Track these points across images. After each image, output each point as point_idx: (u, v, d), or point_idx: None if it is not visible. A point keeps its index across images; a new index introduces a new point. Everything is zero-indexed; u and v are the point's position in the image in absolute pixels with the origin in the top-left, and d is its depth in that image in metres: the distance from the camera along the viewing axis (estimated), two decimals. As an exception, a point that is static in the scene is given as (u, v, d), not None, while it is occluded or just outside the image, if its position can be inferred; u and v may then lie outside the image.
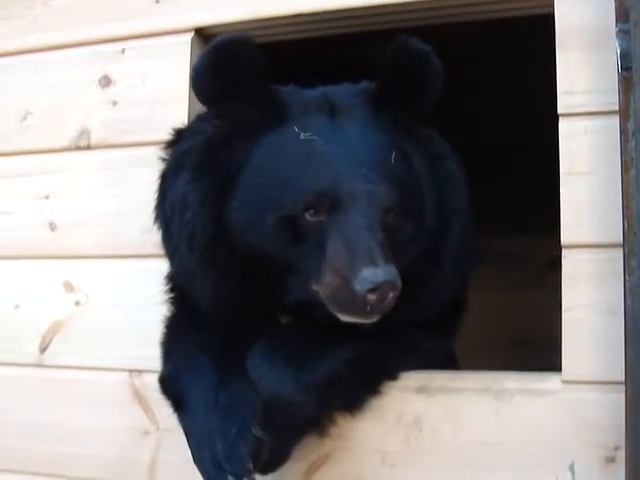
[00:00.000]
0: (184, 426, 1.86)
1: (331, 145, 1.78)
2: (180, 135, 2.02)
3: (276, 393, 1.75)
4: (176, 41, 2.29)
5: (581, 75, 1.90)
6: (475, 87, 2.92)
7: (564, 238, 1.87)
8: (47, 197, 2.39)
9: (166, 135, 2.03)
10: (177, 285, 2.03)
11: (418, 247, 1.85)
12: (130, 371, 2.21)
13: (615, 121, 1.78)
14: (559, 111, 1.90)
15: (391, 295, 1.64)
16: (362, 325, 1.72)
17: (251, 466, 1.72)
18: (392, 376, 1.93)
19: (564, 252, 1.87)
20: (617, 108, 1.77)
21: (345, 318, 1.71)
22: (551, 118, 1.91)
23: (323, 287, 1.71)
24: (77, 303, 2.31)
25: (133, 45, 2.35)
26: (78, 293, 2.31)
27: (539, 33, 2.01)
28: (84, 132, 2.36)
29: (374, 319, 1.69)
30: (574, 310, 1.84)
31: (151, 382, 2.05)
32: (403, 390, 1.94)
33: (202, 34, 2.29)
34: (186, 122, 2.16)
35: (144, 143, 2.27)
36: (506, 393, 1.87)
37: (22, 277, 2.39)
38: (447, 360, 2.11)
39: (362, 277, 1.61)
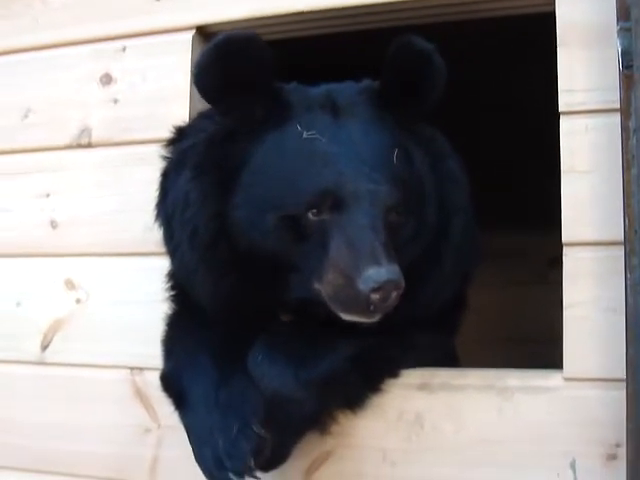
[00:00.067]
0: (185, 424, 1.86)
1: (334, 144, 1.77)
2: (181, 133, 2.02)
3: (277, 390, 1.75)
4: (177, 39, 2.29)
5: (582, 73, 1.90)
6: (476, 85, 2.92)
7: (565, 236, 1.87)
8: (48, 195, 2.39)
9: (167, 133, 2.03)
10: (178, 283, 2.03)
11: (420, 246, 1.85)
12: (131, 369, 2.21)
13: (616, 119, 1.78)
14: (560, 109, 1.90)
15: (394, 294, 1.64)
16: (363, 324, 1.72)
17: (252, 463, 1.72)
18: (393, 373, 1.94)
19: (565, 250, 1.87)
20: (618, 106, 1.77)
21: (347, 317, 1.71)
22: (552, 116, 1.91)
23: (325, 286, 1.71)
24: (78, 301, 2.31)
25: (134, 43, 2.35)
26: (79, 291, 2.31)
27: (540, 31, 2.01)
28: (85, 130, 2.37)
29: (376, 318, 1.69)
30: (575, 308, 1.84)
31: (152, 380, 2.05)
32: (404, 387, 1.94)
33: (203, 32, 2.29)
34: (187, 120, 2.16)
35: (145, 141, 2.27)
36: (508, 390, 1.87)
37: (23, 275, 2.39)
38: (448, 357, 2.11)
39: (366, 276, 1.61)
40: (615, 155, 1.78)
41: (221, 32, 2.16)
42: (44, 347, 2.32)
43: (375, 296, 1.62)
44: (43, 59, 2.45)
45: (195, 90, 2.12)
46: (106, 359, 2.25)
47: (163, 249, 1.98)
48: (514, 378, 1.89)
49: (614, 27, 1.78)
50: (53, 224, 2.36)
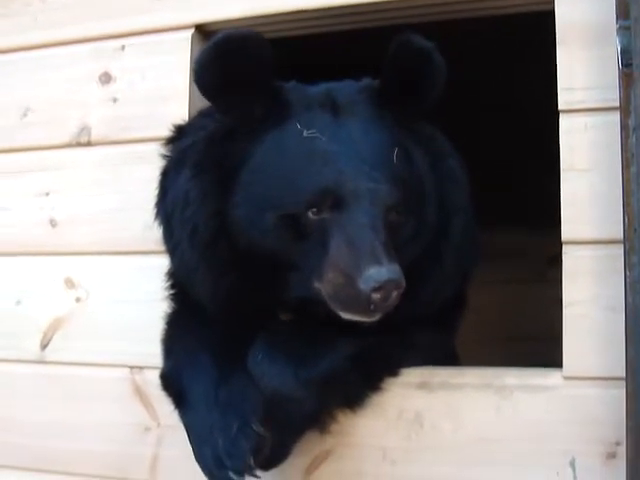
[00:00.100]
0: (185, 422, 1.86)
1: (334, 143, 1.77)
2: (181, 131, 2.02)
3: (276, 389, 1.75)
4: (176, 38, 2.29)
5: (581, 71, 1.90)
6: (475, 84, 2.92)
7: (564, 234, 1.87)
8: (47, 194, 2.39)
9: (166, 131, 2.03)
10: (178, 281, 2.03)
11: (420, 245, 1.85)
12: (131, 367, 2.21)
13: (615, 117, 1.78)
14: (559, 107, 1.90)
15: (395, 294, 1.64)
16: (363, 323, 1.72)
17: (252, 462, 1.72)
18: (393, 372, 1.94)
19: (564, 248, 1.87)
20: (617, 104, 1.77)
21: (347, 316, 1.71)
22: (552, 114, 1.91)
23: (325, 285, 1.71)
24: (78, 299, 2.31)
25: (133, 42, 2.35)
26: (79, 289, 2.31)
27: (540, 30, 2.01)
28: (84, 129, 2.36)
29: (376, 318, 1.69)
30: (575, 306, 1.84)
31: (152, 378, 2.05)
32: (404, 386, 1.94)
33: (202, 31, 2.29)
34: (186, 118, 2.17)
35: (145, 140, 2.27)
36: (507, 389, 1.87)
37: (23, 274, 2.39)
38: (448, 356, 2.11)
39: (367, 276, 1.61)
40: (614, 153, 1.78)
41: (220, 31, 2.16)
42: (44, 346, 2.32)
43: (376, 295, 1.62)
44: (42, 58, 2.45)
45: (194, 89, 2.12)
46: (106, 358, 2.25)
47: (163, 248, 1.98)
48: (513, 377, 1.89)
49: (613, 25, 1.78)
50: (53, 223, 2.36)
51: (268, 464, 1.83)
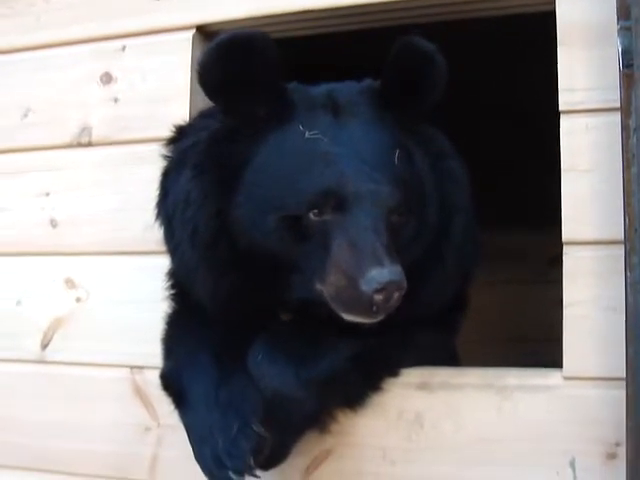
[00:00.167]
0: (185, 422, 1.86)
1: (335, 144, 1.77)
2: (181, 132, 2.02)
3: (277, 389, 1.75)
4: (177, 38, 2.29)
5: (582, 72, 1.90)
6: (477, 84, 2.92)
7: (565, 235, 1.87)
8: (48, 194, 2.39)
9: (167, 132, 2.03)
10: (178, 282, 2.03)
11: (421, 246, 1.85)
12: (131, 367, 2.22)
13: (616, 118, 1.78)
14: (560, 108, 1.90)
15: (396, 295, 1.64)
16: (365, 324, 1.72)
17: (252, 462, 1.73)
18: (393, 372, 1.94)
19: (565, 249, 1.87)
20: (618, 105, 1.77)
21: (349, 318, 1.71)
22: (552, 115, 1.91)
23: (327, 287, 1.70)
24: (78, 300, 2.31)
25: (134, 42, 2.35)
26: (79, 290, 2.31)
27: (540, 30, 2.01)
28: (85, 129, 2.37)
29: (378, 319, 1.69)
30: (575, 306, 1.84)
31: (152, 378, 2.05)
32: (404, 386, 1.94)
33: (203, 31, 2.29)
34: (187, 119, 2.17)
35: (145, 140, 2.27)
36: (507, 389, 1.87)
37: (23, 274, 2.40)
38: (449, 357, 2.11)
39: (369, 277, 1.61)
40: (615, 154, 1.78)
41: (221, 31, 2.18)
42: (44, 346, 2.32)
43: (378, 297, 1.62)
44: (43, 58, 2.46)
45: (195, 89, 2.13)
46: (106, 358, 2.25)
47: (163, 248, 1.98)
48: (513, 377, 1.89)
49: (614, 26, 1.78)
50: (53, 223, 2.37)
51: (268, 464, 1.83)
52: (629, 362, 1.70)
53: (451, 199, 1.92)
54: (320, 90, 1.92)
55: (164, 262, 2.03)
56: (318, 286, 1.74)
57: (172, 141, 2.01)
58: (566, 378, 1.84)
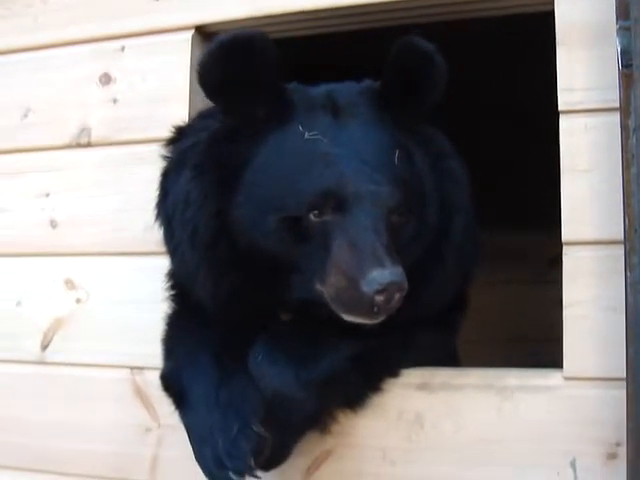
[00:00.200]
0: (185, 423, 1.86)
1: (335, 145, 1.77)
2: (181, 132, 2.02)
3: (277, 390, 1.75)
4: (176, 39, 2.29)
5: (581, 72, 1.90)
6: (476, 84, 2.92)
7: (565, 235, 1.87)
8: (48, 195, 2.39)
9: (167, 133, 2.03)
10: (178, 282, 2.03)
11: (421, 246, 1.85)
12: (132, 368, 2.21)
13: (615, 118, 1.78)
14: (559, 108, 1.90)
15: (397, 296, 1.64)
16: (365, 325, 1.72)
17: (252, 463, 1.73)
18: (393, 373, 1.94)
19: (565, 249, 1.87)
20: (617, 105, 1.77)
21: (350, 319, 1.71)
22: (552, 115, 1.91)
23: (328, 287, 1.70)
24: (78, 300, 2.31)
25: (133, 43, 2.35)
26: (79, 290, 2.31)
27: (540, 30, 2.01)
28: (84, 130, 2.37)
29: (379, 320, 1.69)
30: (575, 307, 1.84)
31: (152, 379, 2.05)
32: (404, 387, 1.94)
33: (202, 32, 2.29)
34: (187, 119, 2.17)
35: (145, 141, 2.27)
36: (507, 390, 1.87)
37: (23, 274, 2.40)
38: (449, 357, 2.11)
39: (370, 278, 1.61)
40: (615, 154, 1.78)
41: (220, 32, 2.18)
42: (44, 347, 2.32)
43: (379, 298, 1.61)
44: (43, 59, 2.45)
45: (194, 89, 2.13)
46: (106, 358, 2.25)
47: (163, 248, 1.98)
48: (514, 377, 1.89)
49: (613, 26, 1.78)
50: (53, 224, 2.36)
51: (268, 465, 1.83)
52: (629, 362, 1.70)
53: (451, 199, 1.91)
54: (320, 90, 1.92)
55: (164, 263, 2.03)
56: (318, 287, 1.73)
57: (172, 141, 2.01)
58: (566, 378, 1.83)
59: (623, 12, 1.75)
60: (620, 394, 1.73)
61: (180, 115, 2.19)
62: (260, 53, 1.75)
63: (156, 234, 2.00)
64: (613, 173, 1.80)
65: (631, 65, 1.71)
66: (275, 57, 1.77)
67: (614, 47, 1.77)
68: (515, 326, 3.85)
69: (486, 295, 2.98)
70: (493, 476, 1.86)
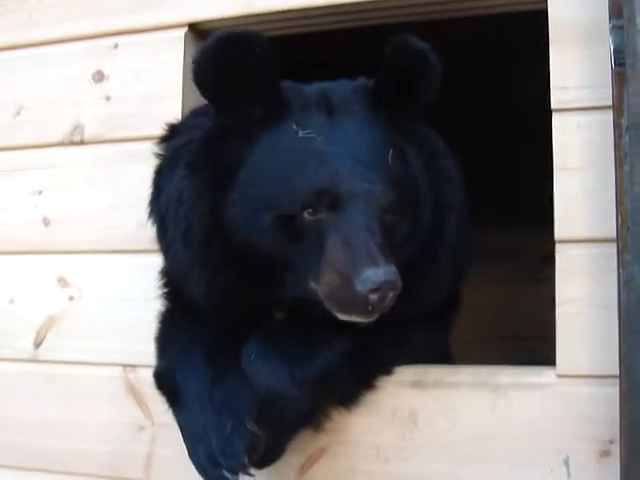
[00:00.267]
0: (179, 421, 1.86)
1: (329, 143, 1.77)
2: (174, 130, 2.01)
3: (271, 388, 1.75)
4: (169, 36, 2.29)
5: (574, 71, 1.90)
6: (469, 83, 2.92)
7: (558, 233, 1.88)
8: (41, 192, 2.39)
9: (160, 130, 2.03)
10: (171, 280, 2.02)
11: (415, 245, 1.85)
12: (125, 366, 2.21)
13: (608, 116, 1.79)
14: (552, 106, 1.91)
15: (391, 295, 1.64)
16: (359, 324, 1.72)
17: (246, 461, 1.73)
18: (387, 370, 1.94)
19: (558, 247, 1.88)
20: (610, 103, 1.77)
21: (344, 317, 1.71)
22: (545, 113, 1.92)
23: (322, 286, 1.70)
24: (71, 298, 2.31)
25: (126, 40, 2.34)
26: (72, 288, 2.31)
27: (532, 29, 2.01)
28: (77, 127, 2.36)
29: (373, 318, 1.68)
30: (568, 304, 1.84)
31: (146, 377, 2.05)
32: (398, 384, 1.94)
33: (195, 29, 2.29)
34: (180, 117, 2.16)
35: (138, 138, 2.27)
36: (501, 387, 1.87)
37: (16, 272, 2.39)
38: (442, 355, 2.11)
39: (364, 277, 1.61)
40: (607, 152, 1.79)
41: (213, 29, 2.18)
42: (37, 344, 2.32)
43: (373, 297, 1.61)
44: (36, 56, 2.45)
45: (188, 87, 2.14)
46: (99, 356, 2.25)
47: (156, 246, 1.98)
48: (507, 375, 1.89)
49: (606, 25, 1.78)
50: (46, 221, 2.36)
51: (262, 463, 1.83)
52: (622, 360, 1.70)
53: (445, 198, 1.92)
54: (314, 89, 1.92)
55: (157, 260, 2.03)
56: (312, 285, 1.73)
57: (165, 139, 2.01)
58: (559, 376, 1.84)
59: (616, 11, 1.75)
60: (613, 391, 1.73)
61: (173, 113, 2.18)
62: (256, 52, 1.75)
63: (149, 232, 2.00)
64: (606, 171, 1.80)
65: (624, 64, 1.72)
66: (271, 55, 1.76)
67: (607, 46, 1.77)
68: (508, 324, 3.85)
69: (479, 294, 2.98)
70: (487, 473, 1.86)
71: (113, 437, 2.20)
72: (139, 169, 2.15)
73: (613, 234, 1.75)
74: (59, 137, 2.38)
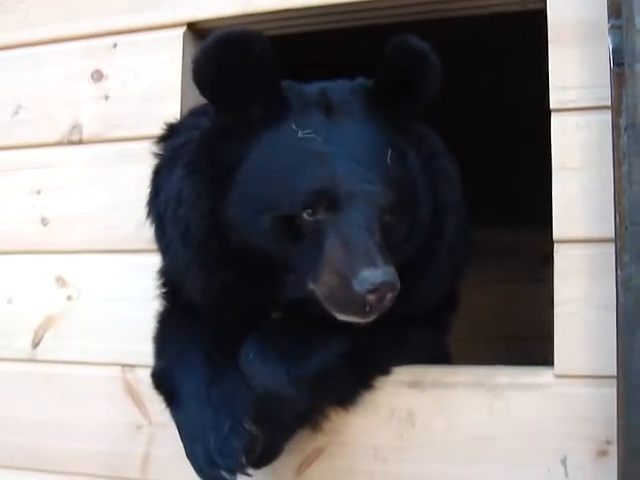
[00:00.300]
0: (177, 421, 1.86)
1: (328, 144, 1.76)
2: (173, 130, 2.01)
3: (268, 387, 1.75)
4: (168, 36, 2.29)
5: (573, 71, 1.90)
6: (467, 83, 2.92)
7: (556, 233, 1.87)
8: (39, 192, 2.38)
9: (158, 130, 2.03)
10: (170, 280, 2.02)
11: (413, 245, 1.85)
12: (123, 366, 2.21)
13: (607, 116, 1.78)
14: (551, 106, 1.91)
15: (389, 295, 1.64)
16: (358, 324, 1.72)
17: (244, 461, 1.73)
18: (385, 370, 1.94)
19: (556, 247, 1.87)
20: (609, 103, 1.77)
21: (342, 317, 1.71)
22: (543, 113, 1.91)
23: (320, 286, 1.70)
24: (69, 298, 2.31)
25: (125, 40, 2.34)
26: (70, 288, 2.31)
27: (531, 29, 2.01)
28: (76, 127, 2.36)
29: (371, 319, 1.68)
30: (566, 304, 1.84)
31: (144, 377, 2.05)
32: (396, 385, 1.94)
33: (194, 29, 2.29)
34: (178, 117, 2.16)
35: (136, 138, 2.26)
36: (498, 387, 1.87)
37: (14, 272, 2.39)
38: (440, 355, 2.11)
39: (361, 278, 1.61)
40: (606, 152, 1.79)
41: (212, 29, 2.18)
42: (35, 344, 2.32)
43: (371, 297, 1.62)
44: (34, 55, 2.45)
45: (186, 87, 2.14)
46: (97, 356, 2.24)
47: (154, 246, 1.98)
48: (505, 375, 1.89)
49: (605, 25, 1.78)
50: (44, 221, 2.36)
51: (260, 462, 1.83)
52: (620, 360, 1.70)
53: (443, 198, 1.91)
54: (313, 89, 1.91)
55: (155, 260, 2.03)
56: (311, 285, 1.73)
57: (163, 139, 2.01)
58: (557, 376, 1.84)
59: (615, 11, 1.75)
60: (611, 392, 1.73)
61: (172, 112, 2.18)
62: (256, 51, 1.74)
63: (147, 232, 1.99)
64: (604, 171, 1.80)
65: (623, 64, 1.71)
66: (271, 55, 1.76)
67: (606, 46, 1.77)
68: (507, 324, 3.85)
69: (478, 293, 2.98)
70: (484, 474, 1.86)
71: (111, 437, 2.20)
72: (138, 169, 2.15)
73: (611, 234, 1.75)
74: (57, 136, 2.37)
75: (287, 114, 1.82)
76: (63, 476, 2.24)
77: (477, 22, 2.22)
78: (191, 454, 1.78)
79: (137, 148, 2.21)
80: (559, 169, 1.88)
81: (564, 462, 1.80)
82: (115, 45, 2.34)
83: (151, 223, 1.97)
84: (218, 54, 1.75)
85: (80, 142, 2.35)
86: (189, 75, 1.82)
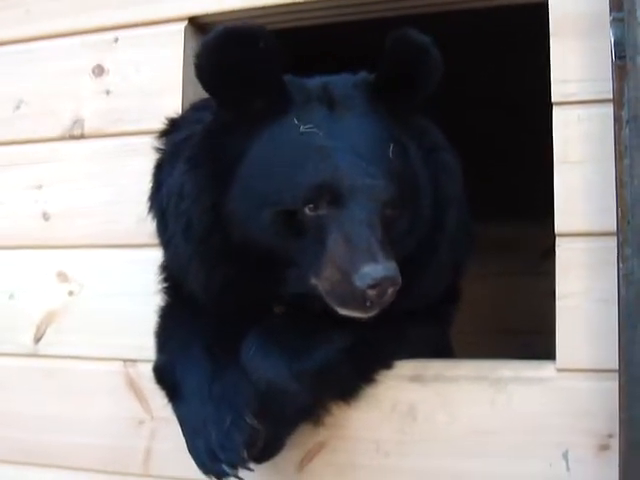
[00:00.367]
0: (178, 416, 1.86)
1: (331, 138, 1.76)
2: (174, 124, 2.01)
3: (270, 382, 1.75)
4: (169, 30, 2.28)
5: (575, 64, 1.89)
6: (469, 76, 2.92)
7: (558, 226, 1.87)
8: (40, 187, 2.38)
9: (160, 124, 2.03)
10: (171, 275, 2.02)
11: (415, 238, 1.85)
12: (124, 361, 2.21)
13: (609, 109, 1.78)
14: (553, 99, 1.90)
15: (390, 290, 1.64)
16: (360, 319, 1.72)
17: (245, 455, 1.73)
18: (387, 364, 1.94)
19: (558, 240, 1.87)
20: (611, 97, 1.76)
21: (344, 312, 1.71)
22: (545, 106, 1.91)
23: (322, 281, 1.70)
24: (71, 293, 2.31)
25: (126, 34, 2.34)
26: (72, 283, 2.31)
27: (533, 21, 2.00)
28: (77, 121, 2.36)
29: (372, 314, 1.69)
30: (568, 298, 1.84)
31: (145, 372, 2.05)
32: (398, 379, 1.94)
33: (195, 23, 2.28)
34: (180, 111, 2.16)
35: (138, 132, 2.26)
36: (500, 381, 1.87)
37: (16, 267, 2.39)
38: (442, 349, 2.11)
39: (363, 273, 1.61)
40: (608, 145, 1.78)
41: (213, 23, 2.18)
42: (37, 339, 2.32)
43: (372, 292, 1.62)
44: (35, 50, 2.45)
45: (188, 81, 2.13)
46: (99, 351, 2.25)
47: (156, 241, 1.98)
48: (507, 369, 1.89)
49: (607, 17, 1.78)
50: (45, 216, 2.36)
51: (262, 457, 1.83)
52: (622, 354, 1.70)
53: (445, 192, 1.91)
54: (315, 83, 1.91)
55: (157, 255, 2.03)
56: (313, 280, 1.73)
57: (165, 133, 2.01)
58: (559, 370, 1.84)
59: (616, 4, 1.75)
60: (612, 386, 1.73)
61: (173, 107, 2.18)
62: (259, 45, 1.73)
63: (149, 226, 1.99)
64: (606, 164, 1.80)
65: (624, 57, 1.71)
66: (275, 49, 1.75)
67: (607, 39, 1.77)
68: (508, 318, 3.86)
69: (479, 287, 2.99)
70: (486, 468, 1.86)
71: (113, 432, 2.20)
72: (139, 163, 2.15)
73: (613, 228, 1.75)
74: (59, 131, 2.37)
75: (289, 108, 1.81)
76: (65, 471, 2.25)
77: (480, 15, 2.22)
78: (193, 448, 1.79)
79: (138, 143, 2.21)
80: (561, 162, 1.88)
81: (566, 456, 1.80)
82: (116, 40, 2.34)
83: (153, 218, 1.97)
84: (220, 49, 1.74)
85: (81, 137, 2.35)
86: (191, 70, 1.82)
